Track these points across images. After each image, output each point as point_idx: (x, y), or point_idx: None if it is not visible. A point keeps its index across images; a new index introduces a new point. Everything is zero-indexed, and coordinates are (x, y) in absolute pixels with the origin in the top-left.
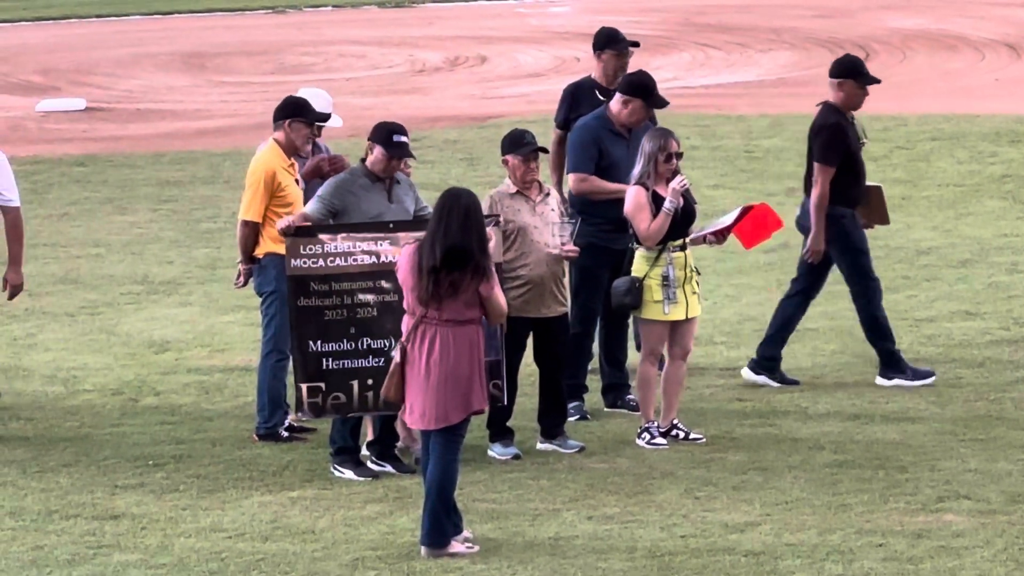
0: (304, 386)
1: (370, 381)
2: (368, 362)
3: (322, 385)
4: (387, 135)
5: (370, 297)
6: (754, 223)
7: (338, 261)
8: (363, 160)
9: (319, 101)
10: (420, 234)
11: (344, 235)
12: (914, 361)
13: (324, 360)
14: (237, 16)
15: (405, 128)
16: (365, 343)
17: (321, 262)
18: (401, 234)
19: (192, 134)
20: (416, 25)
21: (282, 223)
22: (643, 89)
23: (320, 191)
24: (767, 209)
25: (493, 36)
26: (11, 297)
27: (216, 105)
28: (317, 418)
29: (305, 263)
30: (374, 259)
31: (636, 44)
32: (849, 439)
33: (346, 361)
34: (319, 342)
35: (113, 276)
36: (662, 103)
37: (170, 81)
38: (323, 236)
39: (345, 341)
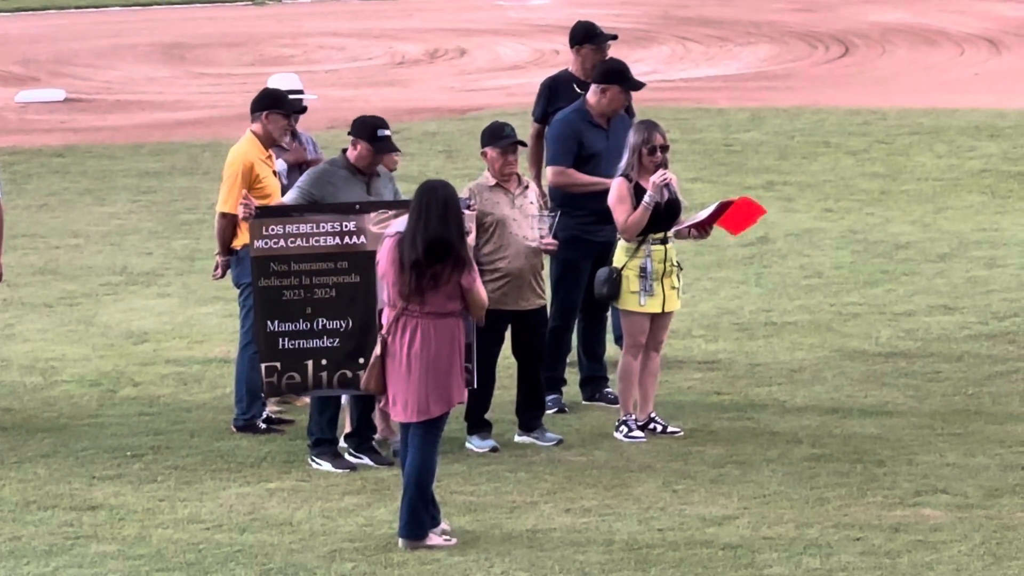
0: (263, 366)
1: (324, 361)
2: (323, 342)
3: (277, 365)
4: (372, 131)
5: (330, 278)
6: (738, 214)
7: (299, 242)
8: (344, 152)
9: (287, 82)
10: (389, 213)
11: (308, 216)
12: (891, 355)
13: (280, 340)
14: (217, 7)
15: (386, 121)
16: (321, 323)
17: (283, 243)
18: (368, 220)
19: (171, 125)
20: (396, 17)
21: (241, 211)
22: (617, 75)
23: (299, 181)
24: (748, 201)
25: (473, 29)
26: None
27: (195, 96)
28: (273, 397)
29: (267, 244)
30: (338, 240)
31: (614, 37)
32: (827, 433)
33: (301, 341)
34: (275, 322)
35: (92, 267)
36: (638, 85)
37: (150, 72)
38: (286, 217)
39: (301, 321)
